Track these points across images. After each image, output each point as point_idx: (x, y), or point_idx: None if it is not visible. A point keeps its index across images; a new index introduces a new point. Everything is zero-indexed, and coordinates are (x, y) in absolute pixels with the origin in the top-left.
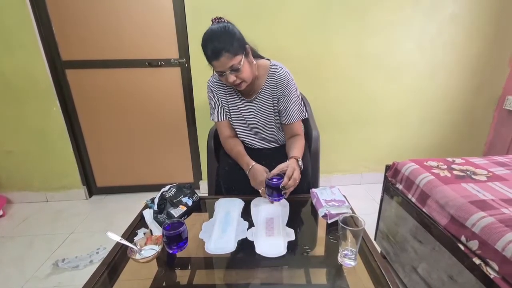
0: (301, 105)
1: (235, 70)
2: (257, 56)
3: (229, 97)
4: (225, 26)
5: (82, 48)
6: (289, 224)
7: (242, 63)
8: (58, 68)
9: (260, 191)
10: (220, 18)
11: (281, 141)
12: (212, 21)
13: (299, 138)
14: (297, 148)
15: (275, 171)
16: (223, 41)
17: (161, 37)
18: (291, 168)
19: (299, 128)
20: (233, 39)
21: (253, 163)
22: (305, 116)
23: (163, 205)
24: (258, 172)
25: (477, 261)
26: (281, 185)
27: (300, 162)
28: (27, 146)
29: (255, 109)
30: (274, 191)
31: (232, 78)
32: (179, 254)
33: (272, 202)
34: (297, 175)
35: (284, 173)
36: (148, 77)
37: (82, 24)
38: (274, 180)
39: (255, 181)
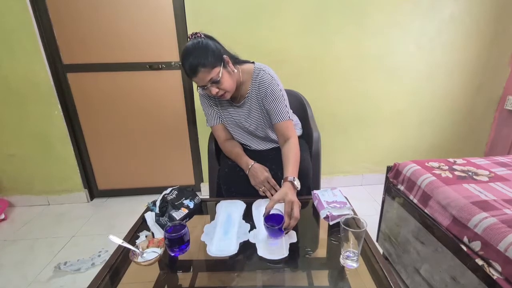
0: (286, 106)
1: (215, 82)
2: (240, 62)
3: (219, 103)
4: (199, 42)
5: (83, 51)
6: None
7: (221, 74)
8: (59, 71)
9: (260, 191)
10: (196, 33)
11: (277, 141)
12: (188, 38)
13: (292, 144)
14: (291, 164)
15: (271, 204)
16: (197, 57)
17: (161, 40)
18: (289, 204)
19: (290, 129)
20: (207, 53)
21: (253, 162)
22: (289, 117)
23: (165, 207)
24: (258, 171)
25: (479, 262)
26: (283, 226)
27: (296, 182)
28: (29, 150)
29: (245, 114)
30: (274, 228)
31: (214, 90)
32: (181, 257)
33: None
34: (297, 211)
35: (281, 201)
36: (149, 80)
37: (83, 28)
38: (273, 220)
39: (255, 180)
